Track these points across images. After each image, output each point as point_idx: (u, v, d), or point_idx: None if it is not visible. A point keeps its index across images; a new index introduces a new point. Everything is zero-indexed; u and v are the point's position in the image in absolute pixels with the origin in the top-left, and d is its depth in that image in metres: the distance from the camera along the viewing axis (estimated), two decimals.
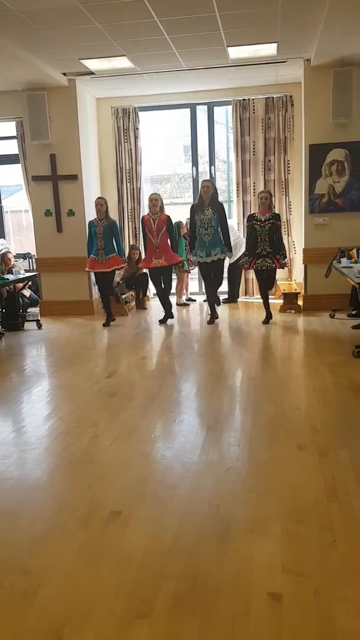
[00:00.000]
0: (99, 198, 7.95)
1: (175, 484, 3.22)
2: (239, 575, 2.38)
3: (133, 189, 9.42)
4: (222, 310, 8.35)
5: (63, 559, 2.55)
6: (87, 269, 8.00)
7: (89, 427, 4.17)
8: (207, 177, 9.51)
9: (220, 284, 7.81)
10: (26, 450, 3.84)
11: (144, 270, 8.48)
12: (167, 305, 7.87)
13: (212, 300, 7.78)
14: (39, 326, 7.88)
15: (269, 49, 6.97)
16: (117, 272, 8.18)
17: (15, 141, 9.05)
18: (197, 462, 3.47)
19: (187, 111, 9.37)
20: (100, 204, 7.75)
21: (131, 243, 9.32)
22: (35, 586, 2.36)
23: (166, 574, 2.40)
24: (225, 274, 8.55)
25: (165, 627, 2.09)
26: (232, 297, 9.11)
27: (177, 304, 8.98)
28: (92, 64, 7.35)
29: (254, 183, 9.06)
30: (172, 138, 12.40)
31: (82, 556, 2.57)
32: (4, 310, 7.85)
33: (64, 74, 7.94)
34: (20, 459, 3.72)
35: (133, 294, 9.11)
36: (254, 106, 8.85)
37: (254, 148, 8.96)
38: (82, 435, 3.99)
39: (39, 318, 8.11)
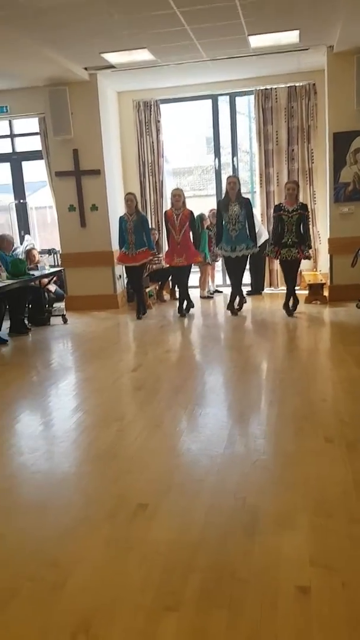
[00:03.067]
0: (128, 194, 7.96)
1: (201, 477, 3.22)
2: (266, 568, 2.37)
3: (155, 182, 9.41)
4: (247, 303, 8.29)
5: (91, 552, 2.57)
6: (117, 261, 8.09)
7: (115, 420, 4.19)
8: (230, 169, 9.47)
9: (240, 277, 7.79)
10: (54, 444, 3.88)
11: (165, 265, 8.52)
12: (187, 298, 7.91)
13: (236, 292, 7.74)
14: (65, 321, 7.95)
15: (290, 37, 6.87)
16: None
17: (38, 137, 9.11)
18: (223, 455, 3.46)
19: (209, 102, 9.30)
20: (130, 199, 7.78)
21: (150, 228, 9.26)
22: (64, 579, 2.38)
23: (193, 566, 2.40)
24: (248, 266, 8.52)
25: (194, 620, 2.10)
26: (257, 289, 9.05)
27: (201, 297, 8.96)
28: (112, 58, 7.34)
29: (277, 173, 8.97)
30: (194, 130, 12.35)
31: (109, 549, 2.59)
32: (30, 306, 7.93)
33: (85, 69, 7.95)
34: (48, 452, 3.76)
35: (157, 287, 9.11)
36: (276, 95, 8.75)
37: (276, 138, 8.87)
38: (108, 429, 4.02)
39: (64, 313, 8.17)
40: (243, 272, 7.77)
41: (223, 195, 7.70)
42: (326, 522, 2.67)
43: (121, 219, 7.87)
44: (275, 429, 3.83)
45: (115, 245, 8.33)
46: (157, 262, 8.83)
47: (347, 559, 2.39)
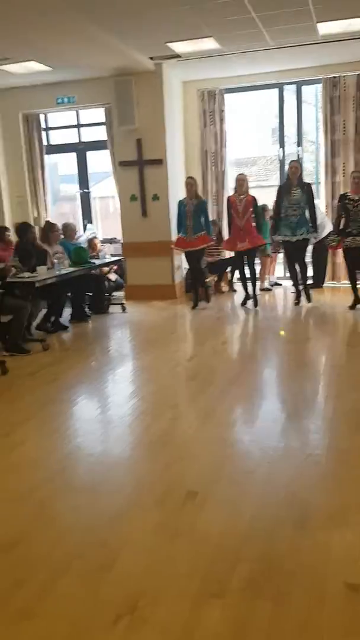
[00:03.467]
0: (189, 178, 7.97)
1: (252, 468, 3.19)
2: (315, 563, 2.33)
3: (217, 172, 9.36)
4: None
5: (140, 535, 2.61)
6: (174, 247, 8.10)
7: (169, 408, 4.22)
8: (295, 159, 9.29)
9: (304, 264, 7.66)
10: (109, 429, 3.96)
11: (226, 255, 8.47)
12: (250, 288, 7.77)
13: (304, 279, 7.60)
14: (124, 309, 8.05)
15: None
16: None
17: (103, 127, 9.23)
18: (275, 448, 3.43)
19: (275, 92, 9.15)
20: (191, 183, 7.79)
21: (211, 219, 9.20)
22: (112, 560, 2.42)
23: (241, 556, 2.39)
24: (310, 258, 8.38)
25: (239, 609, 2.09)
26: (318, 282, 8.87)
27: (261, 289, 8.87)
28: (178, 47, 7.33)
29: (343, 163, 8.73)
30: (259, 119, 12.19)
31: (158, 534, 2.61)
32: (91, 294, 8.08)
33: (151, 58, 7.97)
34: (103, 436, 3.83)
35: (215, 279, 9.08)
36: (345, 83, 8.50)
37: (344, 127, 8.63)
38: (162, 416, 4.05)
39: (123, 302, 8.28)
40: (304, 258, 7.65)
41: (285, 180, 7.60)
42: None
43: (180, 202, 7.86)
44: (331, 424, 3.76)
45: (175, 235, 8.34)
46: (215, 253, 8.79)
47: None
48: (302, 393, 4.45)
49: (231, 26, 6.53)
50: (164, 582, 2.28)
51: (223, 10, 6.00)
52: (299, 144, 9.26)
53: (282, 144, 9.42)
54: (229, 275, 9.25)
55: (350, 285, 7.36)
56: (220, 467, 3.23)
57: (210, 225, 7.91)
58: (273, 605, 2.10)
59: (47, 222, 7.80)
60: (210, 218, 9.19)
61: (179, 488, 3.00)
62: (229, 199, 7.83)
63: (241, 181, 7.60)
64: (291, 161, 7.58)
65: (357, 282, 7.30)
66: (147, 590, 2.22)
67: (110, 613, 2.11)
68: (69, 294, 7.47)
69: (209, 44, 7.14)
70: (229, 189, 9.20)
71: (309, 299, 7.58)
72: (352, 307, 7.17)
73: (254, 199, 7.58)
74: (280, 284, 9.25)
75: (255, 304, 7.67)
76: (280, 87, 9.08)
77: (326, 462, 3.23)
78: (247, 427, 3.84)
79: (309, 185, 7.38)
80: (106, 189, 10.76)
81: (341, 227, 7.19)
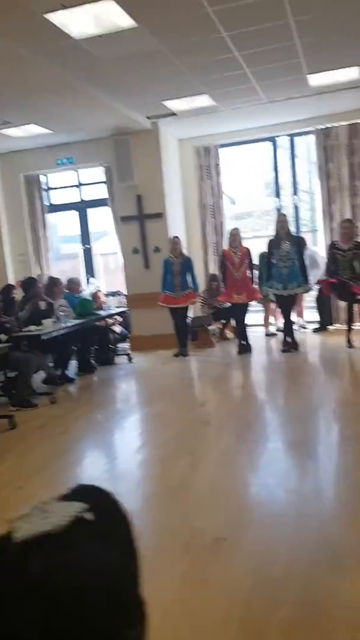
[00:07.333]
0: (174, 237, 8.13)
1: (280, 512, 3.07)
2: (357, 605, 2.20)
3: (216, 224, 9.51)
4: (313, 339, 8.14)
5: (167, 584, 2.46)
6: (161, 303, 8.05)
7: (185, 454, 4.10)
8: (291, 209, 9.49)
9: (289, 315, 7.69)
10: (124, 477, 3.83)
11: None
12: (245, 338, 7.77)
13: (287, 330, 7.60)
14: (130, 360, 7.99)
15: (350, 73, 6.91)
16: (202, 305, 8.26)
17: (103, 185, 9.44)
18: (300, 490, 3.31)
19: (269, 144, 9.42)
20: (176, 242, 7.98)
21: (211, 273, 9.30)
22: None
23: (279, 601, 2.26)
24: (315, 303, 8.45)
25: None
26: (323, 325, 8.85)
27: (266, 335, 8.84)
28: (174, 105, 7.58)
29: (340, 210, 8.88)
30: (254, 172, 12.49)
31: (186, 582, 2.48)
32: (96, 347, 8.03)
33: (148, 118, 8.23)
34: (119, 484, 3.69)
35: (220, 326, 9.06)
36: (337, 133, 8.76)
37: (338, 175, 8.83)
38: (178, 463, 3.93)
39: (129, 352, 8.23)
40: (291, 310, 7.71)
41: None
42: None
43: (166, 261, 7.98)
44: (351, 464, 3.65)
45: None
46: (216, 304, 8.81)
47: None
48: (319, 434, 4.36)
49: (225, 82, 6.78)
50: (199, 628, 2.14)
51: (217, 67, 6.24)
52: (294, 193, 9.45)
53: (277, 195, 9.61)
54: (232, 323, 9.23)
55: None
56: (246, 512, 3.10)
57: (197, 282, 8.03)
58: None
59: (51, 278, 7.85)
60: (211, 270, 9.33)
61: (204, 534, 2.87)
62: (223, 252, 7.99)
63: (234, 235, 7.78)
64: (279, 215, 7.79)
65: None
66: (181, 638, 2.09)
67: None
68: (75, 347, 7.42)
69: (203, 100, 7.39)
70: (227, 239, 9.33)
71: (295, 347, 7.51)
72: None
73: (248, 251, 7.72)
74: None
75: (240, 352, 7.63)
76: (273, 139, 9.35)
77: (354, 500, 3.11)
78: (268, 471, 3.72)
79: (299, 237, 7.60)
80: (107, 246, 10.90)
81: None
